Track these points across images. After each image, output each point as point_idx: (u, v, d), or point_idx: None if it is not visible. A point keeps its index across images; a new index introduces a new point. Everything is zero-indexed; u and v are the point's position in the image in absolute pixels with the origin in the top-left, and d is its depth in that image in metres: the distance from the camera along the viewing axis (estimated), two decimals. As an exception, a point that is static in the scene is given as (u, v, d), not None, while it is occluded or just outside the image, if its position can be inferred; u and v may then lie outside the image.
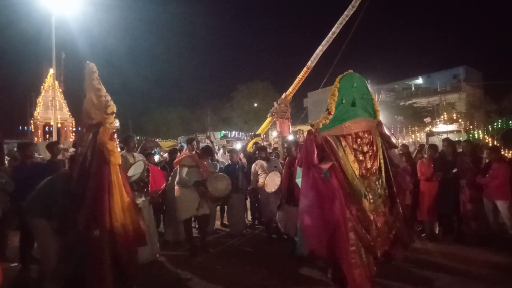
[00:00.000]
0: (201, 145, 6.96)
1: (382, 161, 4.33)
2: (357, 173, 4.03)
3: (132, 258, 3.83)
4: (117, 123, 4.06)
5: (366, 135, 4.23)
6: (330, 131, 4.06)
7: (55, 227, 3.93)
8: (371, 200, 4.05)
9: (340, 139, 4.06)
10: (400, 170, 4.50)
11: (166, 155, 8.79)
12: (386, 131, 4.50)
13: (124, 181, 3.90)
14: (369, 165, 4.15)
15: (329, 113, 4.07)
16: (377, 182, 4.20)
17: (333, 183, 3.86)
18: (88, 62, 3.92)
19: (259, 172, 6.36)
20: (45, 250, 4.06)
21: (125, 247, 3.71)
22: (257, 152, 7.03)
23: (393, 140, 4.53)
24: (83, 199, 3.64)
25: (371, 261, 3.97)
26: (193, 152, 5.81)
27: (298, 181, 4.24)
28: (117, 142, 4.28)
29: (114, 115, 3.78)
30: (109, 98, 3.78)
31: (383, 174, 4.32)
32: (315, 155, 3.92)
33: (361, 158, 4.11)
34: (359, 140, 4.15)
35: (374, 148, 4.28)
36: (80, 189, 3.69)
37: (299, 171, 4.24)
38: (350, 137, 4.12)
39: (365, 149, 4.16)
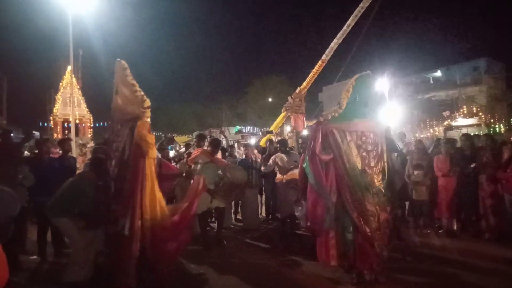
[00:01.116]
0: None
1: (386, 164, 4.50)
2: (359, 167, 4.20)
3: (159, 254, 3.89)
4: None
5: (372, 135, 4.39)
6: (337, 125, 4.23)
7: (80, 225, 4.08)
8: (375, 195, 4.20)
9: (345, 134, 4.24)
10: None
11: (182, 150, 8.83)
12: (392, 137, 4.78)
13: (157, 175, 4.01)
14: (372, 164, 4.31)
15: (340, 108, 4.23)
16: (381, 182, 4.36)
17: (330, 174, 4.16)
18: (118, 59, 4.01)
19: (279, 163, 6.31)
20: (73, 242, 4.26)
21: (152, 242, 3.78)
22: (278, 144, 7.03)
23: (398, 145, 4.75)
24: (123, 191, 3.80)
25: (367, 248, 4.13)
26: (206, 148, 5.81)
27: (305, 166, 4.44)
28: None
29: (149, 108, 3.87)
30: (142, 92, 3.88)
31: (387, 176, 4.49)
32: (318, 144, 4.17)
33: (364, 154, 4.28)
34: (364, 138, 4.32)
35: (379, 149, 4.41)
36: (120, 183, 3.86)
37: (306, 157, 4.47)
38: (355, 133, 4.29)
39: (369, 147, 4.33)
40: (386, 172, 4.46)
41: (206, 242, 5.62)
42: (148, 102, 3.84)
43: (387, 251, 4.28)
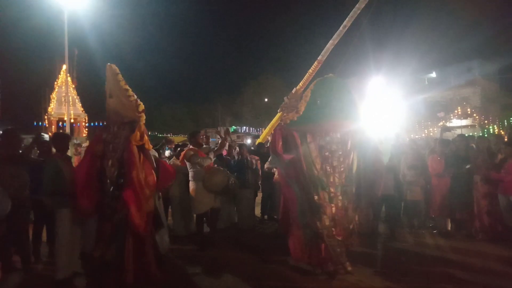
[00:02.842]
0: (211, 140, 6.98)
1: (355, 162, 4.59)
2: (318, 167, 4.40)
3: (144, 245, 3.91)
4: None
5: (338, 135, 4.55)
6: (298, 127, 4.47)
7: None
8: (332, 194, 4.39)
9: (306, 135, 4.46)
10: None
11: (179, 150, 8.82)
12: (369, 137, 4.79)
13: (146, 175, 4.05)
14: (335, 163, 4.47)
15: (297, 112, 4.49)
16: (344, 180, 4.48)
17: (290, 173, 4.45)
18: (109, 64, 4.00)
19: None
20: (61, 237, 4.28)
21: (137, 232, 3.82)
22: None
23: (375, 143, 4.82)
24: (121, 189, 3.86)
25: (323, 244, 4.35)
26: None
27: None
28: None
29: (144, 112, 3.95)
30: (136, 97, 3.95)
31: (354, 175, 4.57)
32: (279, 145, 4.48)
33: (327, 154, 4.47)
34: (328, 138, 4.50)
35: (346, 149, 4.56)
36: (121, 179, 3.92)
37: (271, 157, 4.81)
38: (318, 134, 4.49)
39: (334, 147, 4.50)
40: (355, 171, 4.58)
41: (202, 242, 5.61)
42: (142, 107, 3.90)
43: (344, 246, 4.40)
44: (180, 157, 5.83)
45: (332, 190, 4.41)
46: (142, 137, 3.84)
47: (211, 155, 5.68)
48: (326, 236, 4.30)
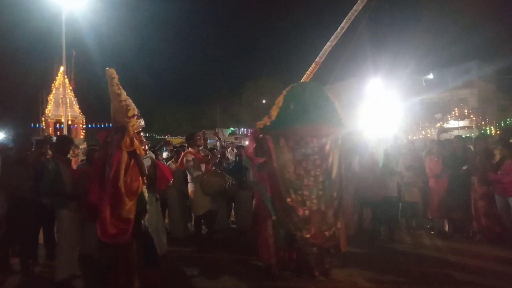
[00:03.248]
0: (209, 141, 6.96)
1: (335, 166, 4.55)
2: (290, 170, 4.41)
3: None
4: (142, 122, 4.30)
5: (315, 140, 4.53)
6: (272, 131, 4.52)
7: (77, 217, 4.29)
8: (305, 197, 4.37)
9: (280, 140, 4.48)
10: None
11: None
12: (353, 140, 4.85)
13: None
14: (310, 167, 4.45)
15: (269, 117, 4.53)
16: (320, 184, 4.45)
17: (263, 175, 4.52)
18: (107, 68, 4.01)
19: None
20: (61, 238, 4.37)
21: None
22: None
23: (359, 149, 4.79)
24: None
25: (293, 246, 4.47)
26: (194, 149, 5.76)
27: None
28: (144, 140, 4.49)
29: (135, 117, 3.89)
30: (129, 101, 3.91)
31: (333, 178, 4.52)
32: (250, 148, 4.66)
33: (301, 158, 4.47)
34: (302, 142, 4.49)
35: (324, 153, 4.54)
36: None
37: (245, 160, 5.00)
38: (293, 139, 4.50)
39: (309, 151, 4.48)
40: (334, 174, 4.53)
41: (200, 244, 5.60)
42: (132, 111, 3.84)
43: (320, 249, 4.39)
44: (179, 160, 5.82)
45: (305, 193, 4.39)
46: (132, 142, 3.76)
47: (203, 167, 5.60)
48: (298, 238, 4.34)
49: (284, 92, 4.66)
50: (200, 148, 5.93)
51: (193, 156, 5.56)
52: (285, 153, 4.48)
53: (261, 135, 4.61)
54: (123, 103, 3.87)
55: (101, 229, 3.60)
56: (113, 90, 3.91)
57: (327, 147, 4.57)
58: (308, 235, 4.31)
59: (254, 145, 4.68)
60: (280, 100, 4.60)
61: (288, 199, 4.37)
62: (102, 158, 4.04)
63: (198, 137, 5.92)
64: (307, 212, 4.35)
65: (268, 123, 4.55)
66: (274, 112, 4.56)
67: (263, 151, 4.59)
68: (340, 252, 4.50)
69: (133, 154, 3.82)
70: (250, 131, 4.88)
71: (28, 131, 5.37)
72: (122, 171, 3.72)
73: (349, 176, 4.70)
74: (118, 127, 3.94)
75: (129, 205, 3.72)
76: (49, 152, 5.61)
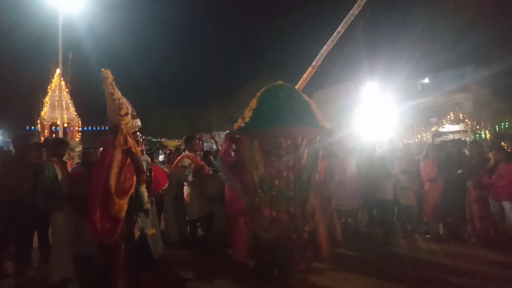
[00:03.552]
0: (206, 144, 6.97)
1: (308, 167, 4.53)
2: (261, 171, 4.47)
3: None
4: (138, 122, 4.35)
5: (289, 141, 4.53)
6: (246, 133, 4.61)
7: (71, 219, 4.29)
8: (273, 198, 4.40)
9: (254, 140, 4.53)
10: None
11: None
12: (334, 141, 4.82)
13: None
14: (282, 168, 4.47)
15: (243, 119, 4.62)
16: (291, 185, 4.45)
17: (236, 173, 4.63)
18: (102, 69, 4.02)
19: None
20: (55, 241, 4.39)
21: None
22: None
23: (339, 149, 4.77)
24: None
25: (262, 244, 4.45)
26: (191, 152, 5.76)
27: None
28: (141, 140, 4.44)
29: (128, 115, 3.90)
30: (123, 100, 3.91)
31: (304, 180, 4.50)
32: (223, 148, 4.90)
33: (273, 159, 4.50)
34: (276, 144, 4.51)
35: (297, 154, 4.53)
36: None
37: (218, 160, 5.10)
38: (267, 140, 4.53)
39: (282, 153, 4.49)
40: (306, 176, 4.52)
41: (196, 247, 5.59)
42: (124, 110, 3.85)
43: (287, 251, 4.38)
44: (174, 163, 5.81)
45: (274, 193, 4.41)
46: (126, 141, 3.76)
47: (189, 177, 5.56)
48: (263, 238, 4.41)
49: (258, 94, 4.71)
50: (198, 152, 5.94)
51: (190, 161, 5.54)
52: (257, 154, 4.52)
53: (237, 136, 4.71)
54: (116, 101, 3.87)
55: (90, 228, 3.59)
56: (107, 90, 3.91)
57: (301, 148, 4.56)
58: (273, 236, 4.35)
59: (230, 146, 4.79)
60: (254, 102, 4.66)
61: (257, 199, 4.42)
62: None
63: (197, 142, 5.92)
64: (274, 213, 4.38)
65: (242, 125, 4.61)
66: (248, 114, 4.63)
67: (238, 152, 4.69)
68: (319, 257, 4.47)
69: (128, 152, 3.80)
70: (227, 133, 5.01)
71: (28, 134, 5.47)
72: (114, 170, 3.70)
73: (328, 180, 4.65)
74: (112, 126, 3.94)
75: (120, 204, 3.67)
76: (44, 155, 5.60)
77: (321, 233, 4.47)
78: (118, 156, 3.75)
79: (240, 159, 4.62)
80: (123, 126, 3.79)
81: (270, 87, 4.76)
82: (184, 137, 6.35)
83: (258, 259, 4.54)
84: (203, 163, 5.74)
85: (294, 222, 4.38)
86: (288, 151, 4.50)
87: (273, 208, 4.39)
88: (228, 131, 5.14)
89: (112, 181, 3.67)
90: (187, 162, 5.52)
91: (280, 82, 4.75)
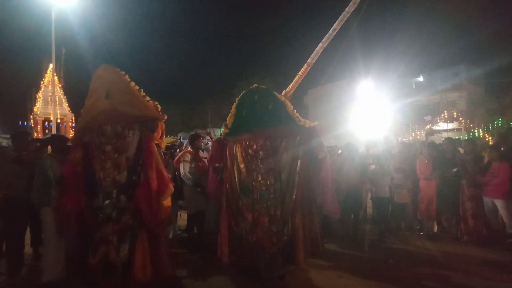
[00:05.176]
0: (203, 141, 6.98)
1: (290, 168, 4.49)
2: (244, 174, 4.59)
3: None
4: None
5: (268, 143, 4.57)
6: (230, 138, 4.78)
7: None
8: (255, 200, 4.46)
9: (237, 145, 4.74)
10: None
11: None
12: (315, 139, 4.60)
13: None
14: (262, 170, 4.51)
15: (225, 126, 4.79)
16: (271, 187, 4.46)
17: (224, 178, 4.75)
18: (105, 64, 4.21)
19: None
20: (47, 238, 4.34)
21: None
22: None
23: (321, 149, 4.61)
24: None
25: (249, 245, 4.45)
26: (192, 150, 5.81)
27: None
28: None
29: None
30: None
31: (284, 181, 4.46)
32: (212, 154, 5.05)
33: (254, 162, 4.58)
34: (255, 146, 4.61)
35: (278, 155, 4.51)
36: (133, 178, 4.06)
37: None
38: (247, 144, 4.66)
39: (261, 154, 4.55)
40: (286, 177, 4.47)
41: (193, 245, 5.58)
42: (159, 106, 4.17)
43: (265, 252, 4.34)
44: (177, 157, 5.82)
45: (255, 196, 4.46)
46: (162, 135, 4.09)
47: (185, 168, 5.66)
48: (244, 240, 4.45)
49: (237, 100, 4.78)
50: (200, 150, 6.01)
51: (192, 156, 5.65)
52: (239, 158, 4.67)
53: (225, 142, 4.84)
54: (148, 99, 4.10)
55: (151, 217, 3.81)
56: (131, 86, 4.06)
57: (281, 149, 4.55)
58: (254, 239, 4.38)
59: (217, 152, 4.92)
60: (233, 108, 4.76)
61: (240, 202, 4.54)
62: (78, 163, 4.15)
63: (201, 141, 6.11)
64: (256, 214, 4.43)
65: (227, 131, 4.79)
66: (230, 120, 4.77)
67: (225, 157, 4.82)
68: (295, 261, 4.36)
69: (157, 145, 4.12)
70: (214, 139, 5.27)
71: (23, 132, 5.39)
72: (160, 160, 4.02)
73: (310, 183, 4.55)
74: (136, 122, 4.11)
75: (166, 194, 4.00)
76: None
77: (299, 238, 4.35)
78: (156, 151, 4.06)
79: (225, 164, 4.77)
80: (162, 121, 4.12)
81: (246, 92, 4.80)
82: (190, 135, 6.60)
83: (239, 260, 4.58)
84: (204, 161, 5.74)
85: (275, 224, 4.37)
86: (267, 153, 4.53)
87: (255, 210, 4.43)
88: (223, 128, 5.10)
89: (163, 170, 4.01)
90: (188, 157, 5.64)
91: (255, 85, 4.77)
